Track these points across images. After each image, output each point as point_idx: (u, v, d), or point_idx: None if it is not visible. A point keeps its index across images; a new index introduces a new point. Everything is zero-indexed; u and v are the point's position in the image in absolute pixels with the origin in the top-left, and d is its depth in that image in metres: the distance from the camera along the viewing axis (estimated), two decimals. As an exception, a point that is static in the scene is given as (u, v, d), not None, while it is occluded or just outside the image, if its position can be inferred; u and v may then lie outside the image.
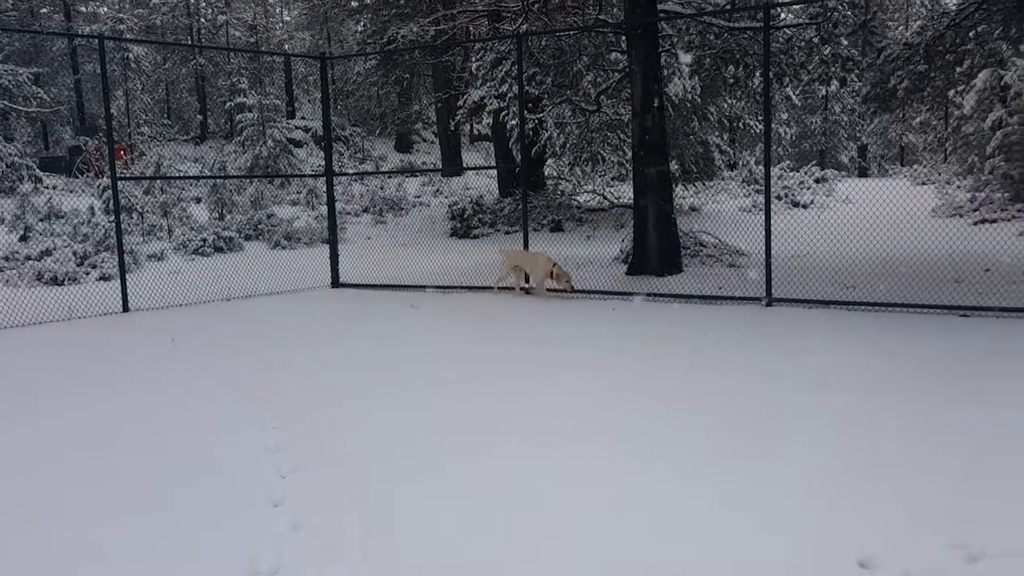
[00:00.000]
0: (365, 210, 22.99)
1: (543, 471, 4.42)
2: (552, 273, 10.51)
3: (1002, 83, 20.15)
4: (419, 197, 25.89)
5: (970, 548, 3.38)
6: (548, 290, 10.76)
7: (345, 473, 4.49)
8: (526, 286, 11.12)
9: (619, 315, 9.32)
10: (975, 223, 17.05)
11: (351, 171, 30.07)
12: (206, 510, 4.05)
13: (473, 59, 19.31)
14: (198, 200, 22.12)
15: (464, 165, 29.69)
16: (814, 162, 36.75)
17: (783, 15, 17.46)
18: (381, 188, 24.89)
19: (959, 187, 22.04)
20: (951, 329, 7.85)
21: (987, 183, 20.03)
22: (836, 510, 3.83)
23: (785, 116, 35.04)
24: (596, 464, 4.51)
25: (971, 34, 13.65)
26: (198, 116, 43.64)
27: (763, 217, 9.90)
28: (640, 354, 7.32)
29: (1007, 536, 3.49)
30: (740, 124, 23.82)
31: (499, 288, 11.16)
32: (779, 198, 23.01)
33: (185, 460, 4.80)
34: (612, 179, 22.52)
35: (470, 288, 11.52)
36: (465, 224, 19.73)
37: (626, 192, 20.95)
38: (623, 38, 13.66)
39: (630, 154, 13.87)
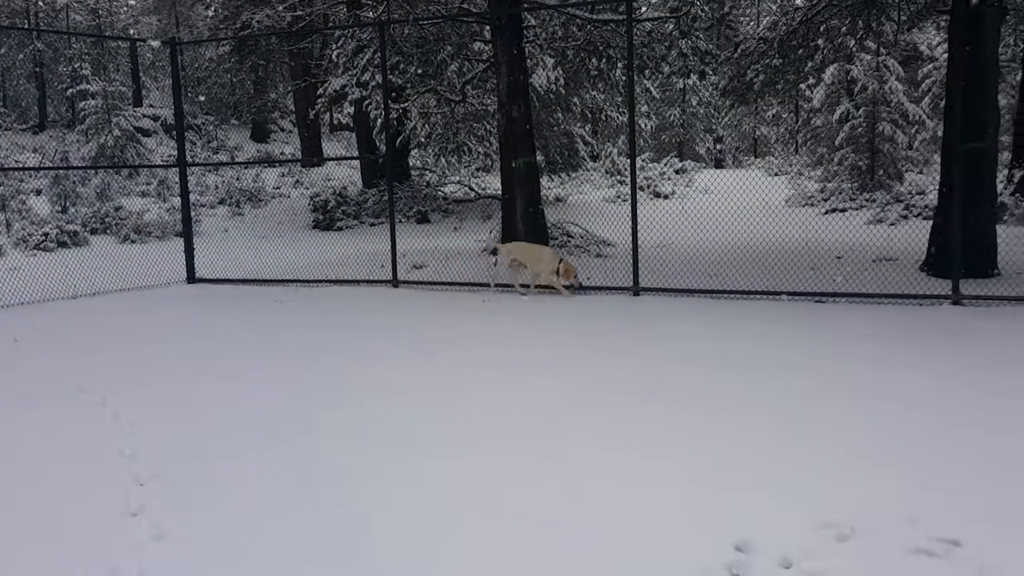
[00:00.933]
0: (221, 202, 22.25)
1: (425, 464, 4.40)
2: (559, 269, 9.80)
3: (849, 77, 21.34)
4: (278, 188, 25.26)
5: (840, 527, 3.54)
6: (545, 287, 10.01)
7: (210, 475, 4.32)
8: (526, 285, 10.21)
9: (491, 307, 9.36)
10: (826, 212, 17.99)
11: (205, 161, 29.01)
12: (56, 522, 3.82)
13: (333, 47, 18.97)
14: (38, 192, 20.88)
15: (325, 155, 29.12)
16: (673, 153, 38.00)
17: (644, 9, 17.93)
18: (237, 179, 24.17)
19: (810, 178, 23.22)
20: (806, 314, 8.27)
21: (836, 174, 21.19)
22: (711, 494, 3.93)
23: (645, 108, 35.97)
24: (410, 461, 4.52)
25: (821, 29, 14.38)
26: (36, 104, 41.11)
27: (628, 207, 10.14)
28: (530, 347, 7.38)
29: (874, 513, 3.67)
30: (603, 116, 24.36)
31: (496, 286, 10.37)
32: (642, 189, 23.64)
33: (30, 470, 4.52)
34: (478, 170, 22.61)
35: (336, 282, 11.33)
36: (328, 216, 19.39)
37: (493, 183, 21.09)
38: (487, 28, 13.71)
39: (497, 145, 13.94)
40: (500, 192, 12.37)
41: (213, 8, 28.15)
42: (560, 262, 9.81)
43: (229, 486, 4.22)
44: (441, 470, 4.35)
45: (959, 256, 8.55)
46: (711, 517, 3.70)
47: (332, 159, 23.54)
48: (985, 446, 4.46)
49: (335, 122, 43.00)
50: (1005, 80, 22.08)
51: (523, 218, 11.85)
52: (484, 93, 17.35)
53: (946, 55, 11.17)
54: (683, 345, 7.12)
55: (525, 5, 13.09)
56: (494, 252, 10.79)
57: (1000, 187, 14.19)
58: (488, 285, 10.45)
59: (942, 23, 17.98)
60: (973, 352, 6.63)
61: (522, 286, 10.18)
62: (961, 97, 9.09)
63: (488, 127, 18.27)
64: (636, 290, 9.76)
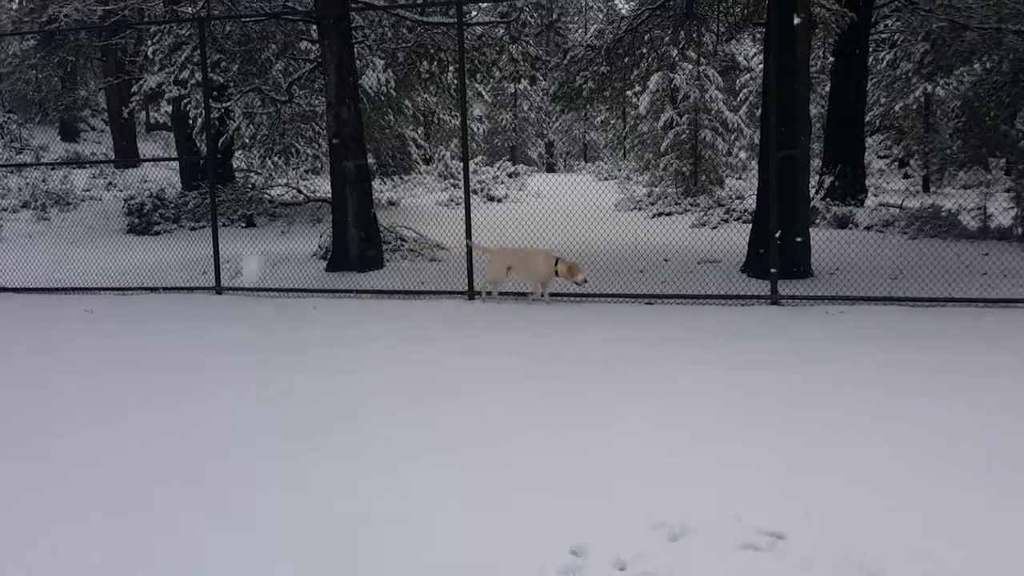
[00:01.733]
0: (25, 205, 20.76)
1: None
2: (557, 271, 9.11)
3: (672, 86, 22.22)
4: (89, 191, 23.78)
5: (672, 527, 3.64)
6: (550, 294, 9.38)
7: None
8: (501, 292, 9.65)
9: (320, 315, 9.16)
10: (653, 216, 18.65)
11: (7, 162, 27.04)
12: None
13: (149, 43, 18.11)
14: None
15: (141, 156, 27.74)
16: (506, 157, 38.48)
17: (474, 13, 18.05)
18: (43, 181, 22.62)
19: (638, 182, 24.02)
20: (638, 316, 8.54)
21: (662, 179, 22.02)
22: (550, 499, 3.96)
23: (478, 112, 36.27)
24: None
25: (646, 38, 14.93)
26: None
27: (462, 211, 10.16)
28: (342, 352, 7.23)
29: (704, 511, 3.79)
30: (435, 119, 24.36)
31: (488, 296, 9.60)
32: (475, 192, 23.81)
33: None
34: (307, 172, 22.10)
35: (154, 289, 10.80)
36: (144, 220, 18.45)
37: (323, 186, 20.67)
38: (315, 27, 13.43)
39: (326, 146, 13.67)
40: (330, 195, 12.13)
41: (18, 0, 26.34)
42: (557, 262, 9.13)
43: None
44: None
45: (776, 258, 9.04)
46: (548, 521, 3.72)
47: (149, 160, 22.41)
48: (806, 438, 4.71)
49: (152, 121, 41.12)
50: (816, 91, 23.62)
51: (355, 222, 11.68)
52: (312, 94, 16.99)
53: (762, 66, 11.81)
54: (518, 350, 7.19)
55: (353, 5, 12.89)
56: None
57: (812, 192, 15.13)
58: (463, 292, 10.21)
59: (758, 35, 19.02)
60: (790, 349, 7.01)
61: (500, 294, 9.62)
62: (776, 106, 9.62)
63: (317, 128, 17.91)
64: (471, 294, 9.78)
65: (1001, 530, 3.57)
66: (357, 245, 11.75)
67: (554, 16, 15.31)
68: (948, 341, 7.14)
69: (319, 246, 13.36)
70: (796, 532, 3.56)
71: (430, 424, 5.13)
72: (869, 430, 4.84)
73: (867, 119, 21.27)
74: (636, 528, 3.65)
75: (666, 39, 15.43)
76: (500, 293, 9.63)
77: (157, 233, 18.06)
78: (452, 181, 26.52)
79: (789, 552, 3.41)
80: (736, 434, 4.83)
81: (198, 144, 19.63)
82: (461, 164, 10.27)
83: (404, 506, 3.92)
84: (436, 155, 29.14)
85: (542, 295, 9.43)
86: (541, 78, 17.29)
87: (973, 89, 15.14)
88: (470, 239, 9.77)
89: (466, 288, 9.79)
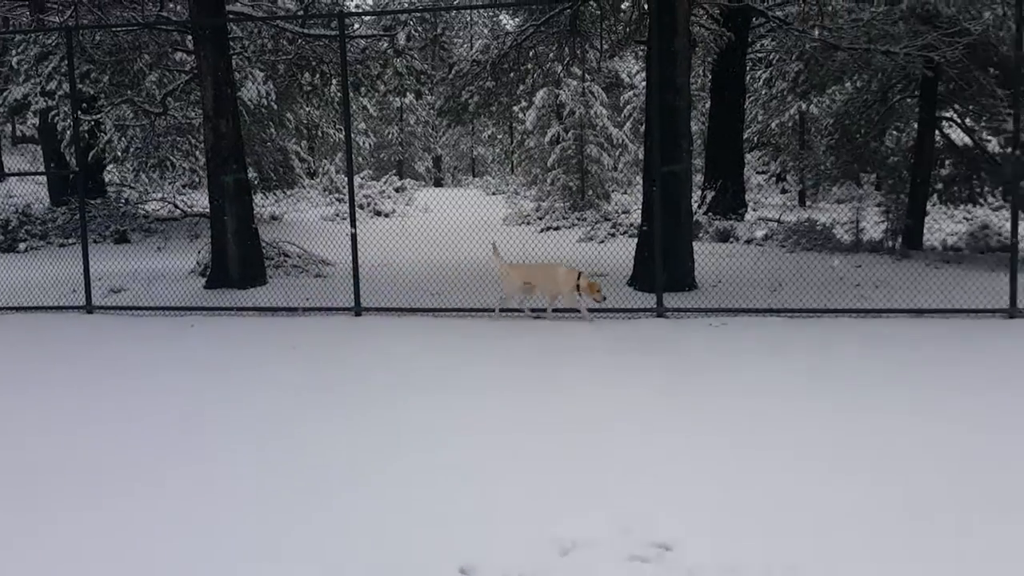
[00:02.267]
0: None
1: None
2: (579, 286, 8.81)
3: (558, 101, 22.55)
4: (-53, 208, 22.58)
5: (563, 541, 3.66)
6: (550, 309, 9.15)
7: None
8: (532, 308, 9.28)
9: (198, 332, 8.89)
10: (542, 230, 18.85)
11: None
12: None
13: (14, 52, 17.32)
14: None
15: (6, 170, 26.46)
16: (393, 172, 38.28)
17: (357, 26, 17.93)
18: None
19: (526, 197, 24.25)
20: (530, 329, 8.59)
21: (550, 193, 22.28)
22: (432, 519, 3.95)
23: (363, 126, 36.01)
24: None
25: (531, 54, 15.11)
26: None
27: (347, 226, 10.04)
28: (224, 374, 7.03)
29: (593, 524, 3.83)
30: (319, 132, 24.06)
31: (501, 311, 9.26)
32: (362, 207, 23.58)
33: None
34: (184, 186, 21.49)
35: (19, 309, 10.29)
36: (10, 237, 17.59)
37: (201, 200, 20.10)
38: (190, 37, 13.08)
39: (204, 160, 13.32)
40: (209, 210, 11.81)
41: None
42: (579, 277, 8.85)
43: None
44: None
45: (661, 271, 9.25)
46: (434, 541, 3.70)
47: (14, 174, 21.41)
48: (692, 449, 4.82)
49: (18, 134, 39.31)
50: (697, 108, 24.37)
51: (234, 237, 11.40)
52: (188, 106, 16.55)
53: (645, 83, 12.11)
54: (408, 364, 7.13)
55: (231, 16, 12.62)
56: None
57: (695, 206, 15.57)
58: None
59: (640, 53, 19.51)
60: (676, 360, 7.17)
61: (532, 311, 9.28)
62: (658, 123, 9.86)
63: (194, 141, 17.45)
64: (358, 310, 9.66)
65: (881, 538, 3.72)
66: (237, 261, 11.47)
67: (438, 30, 15.38)
68: (825, 350, 7.43)
69: (197, 262, 12.98)
70: (683, 543, 3.63)
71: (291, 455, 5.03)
72: (752, 440, 4.98)
73: (745, 136, 22.09)
74: (527, 544, 3.65)
75: (551, 55, 15.66)
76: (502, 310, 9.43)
77: (23, 251, 17.24)
78: (337, 195, 26.22)
79: (676, 563, 3.48)
80: (625, 447, 4.90)
81: (67, 157, 18.87)
82: (346, 178, 10.13)
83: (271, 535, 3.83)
84: (320, 169, 28.77)
85: (546, 311, 9.23)
86: (427, 92, 17.29)
87: (844, 107, 15.83)
88: (497, 255, 9.43)
89: (352, 304, 9.67)
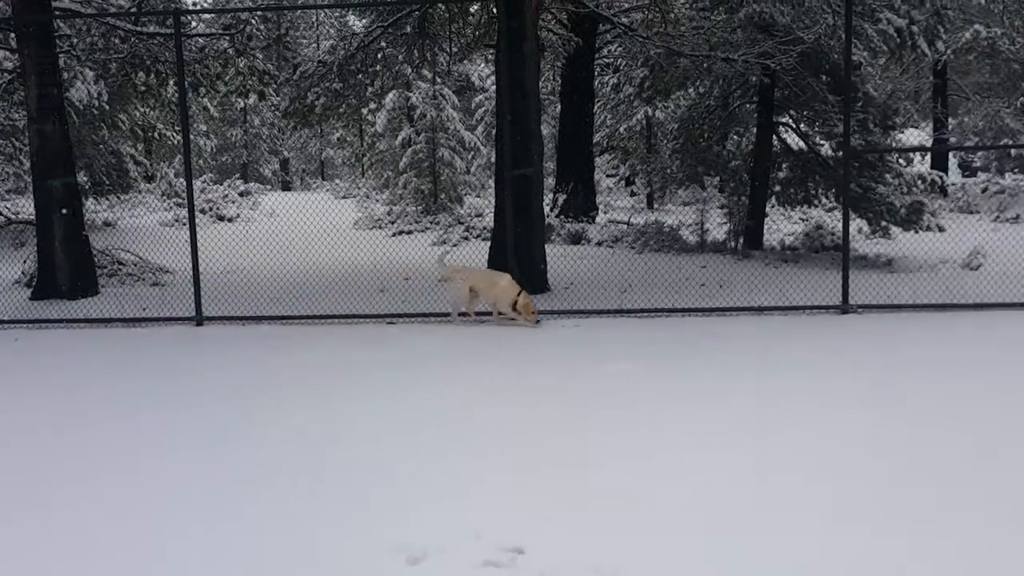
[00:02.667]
0: None
1: None
2: (516, 303, 8.66)
3: (409, 104, 22.46)
4: None
5: (412, 549, 3.62)
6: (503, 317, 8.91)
7: None
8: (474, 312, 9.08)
9: (24, 347, 8.38)
10: (394, 234, 18.72)
11: None
12: None
13: None
14: None
15: None
16: (237, 175, 37.24)
17: (195, 24, 17.34)
18: None
19: (377, 200, 24.04)
20: (379, 336, 8.51)
21: (402, 197, 22.16)
22: (271, 532, 3.86)
23: (204, 128, 34.87)
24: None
25: (379, 56, 14.98)
26: None
27: (187, 232, 9.69)
28: (50, 391, 6.65)
29: (444, 531, 3.81)
30: (156, 134, 23.13)
31: (460, 316, 9.04)
32: (204, 212, 22.78)
33: None
34: (9, 192, 20.24)
35: None
36: None
37: (27, 206, 18.97)
38: (12, 35, 12.33)
39: (29, 164, 12.57)
40: (35, 216, 11.16)
41: None
42: (520, 294, 8.71)
43: None
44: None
45: (515, 274, 9.33)
46: (277, 553, 3.61)
47: None
48: (542, 451, 4.87)
49: None
50: (547, 112, 24.77)
51: (63, 245, 10.82)
52: (11, 107, 15.61)
53: (495, 86, 12.21)
54: (250, 372, 6.93)
55: (57, 12, 11.97)
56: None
57: (547, 209, 15.82)
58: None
59: (490, 57, 19.68)
60: (528, 361, 7.25)
61: (477, 315, 9.07)
62: (509, 126, 9.96)
63: (18, 144, 16.46)
64: (200, 320, 9.33)
65: (729, 536, 3.86)
66: (67, 270, 10.87)
67: (282, 30, 15.03)
68: (674, 348, 7.68)
69: (23, 272, 12.22)
70: (535, 547, 3.65)
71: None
72: (604, 439, 5.08)
73: (595, 139, 22.60)
74: (374, 554, 3.61)
75: (400, 57, 15.58)
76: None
77: None
78: (177, 200, 25.24)
79: (528, 566, 3.50)
80: (476, 451, 4.91)
81: None
82: (185, 182, 9.75)
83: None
84: (158, 172, 27.64)
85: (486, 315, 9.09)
86: (272, 93, 16.88)
87: (688, 112, 16.43)
88: (441, 262, 9.43)
89: (194, 314, 9.33)
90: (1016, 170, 30.07)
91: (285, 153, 49.68)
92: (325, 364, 7.37)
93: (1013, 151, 30.93)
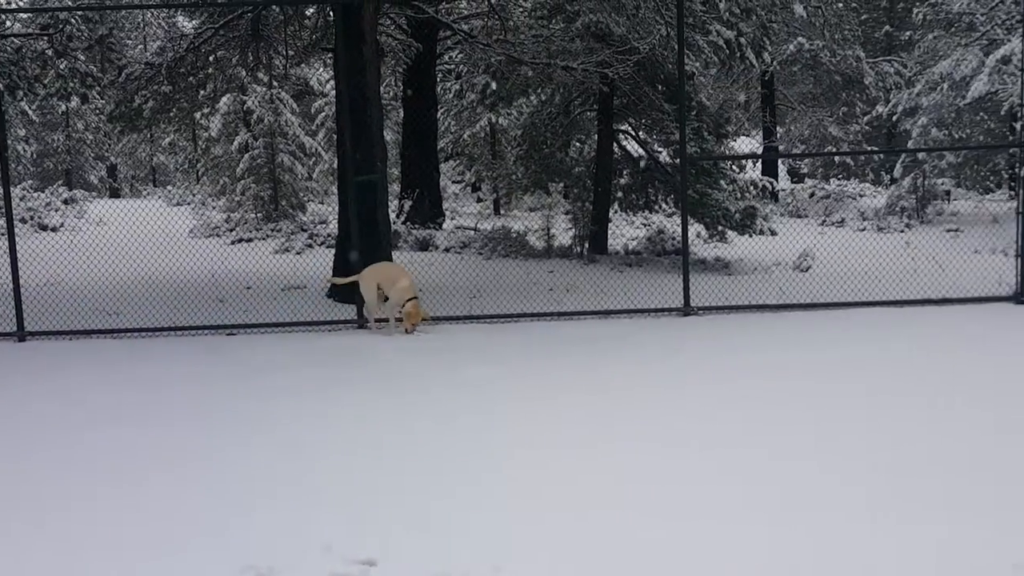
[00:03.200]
0: None
1: None
2: (406, 304, 8.52)
3: (245, 108, 21.87)
4: None
5: (259, 568, 3.52)
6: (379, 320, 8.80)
7: None
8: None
9: None
10: (232, 243, 18.17)
11: None
12: None
13: None
14: None
15: None
16: (60, 182, 35.29)
17: (10, 23, 16.37)
18: None
19: (214, 207, 23.27)
20: (219, 348, 8.24)
21: (240, 203, 21.54)
22: (102, 553, 3.69)
23: (23, 132, 32.91)
24: None
25: (211, 58, 14.53)
26: None
27: (6, 242, 9.12)
28: None
29: (293, 545, 3.73)
30: (-32, 138, 21.65)
31: (378, 322, 8.85)
32: (24, 221, 21.45)
33: None
34: None
35: None
36: None
37: None
38: None
39: None
40: None
41: None
42: (411, 300, 8.54)
43: None
44: None
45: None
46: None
47: None
48: (394, 461, 4.84)
49: None
50: (391, 118, 24.66)
51: None
52: None
53: (335, 91, 12.05)
54: (72, 387, 6.59)
55: None
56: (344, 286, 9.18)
57: (393, 216, 15.73)
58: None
59: (328, 61, 19.40)
60: (378, 371, 7.21)
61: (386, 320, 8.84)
62: (351, 132, 9.84)
63: None
64: (22, 335, 8.80)
65: (596, 531, 3.94)
66: None
67: (105, 30, 14.36)
68: (524, 353, 7.78)
69: None
70: (387, 556, 3.62)
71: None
72: (450, 446, 5.09)
73: (440, 146, 22.66)
74: (220, 573, 3.50)
75: (234, 60, 15.16)
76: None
77: None
78: (-7, 209, 23.69)
79: (382, 578, 3.48)
80: (326, 463, 4.83)
81: None
82: (2, 189, 9.18)
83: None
84: (-29, 180, 25.85)
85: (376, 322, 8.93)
86: (96, 96, 16.12)
87: (531, 119, 16.73)
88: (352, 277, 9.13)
89: (15, 329, 8.79)
90: (840, 176, 32.08)
91: (112, 159, 47.43)
92: (155, 378, 7.07)
93: (837, 158, 32.98)
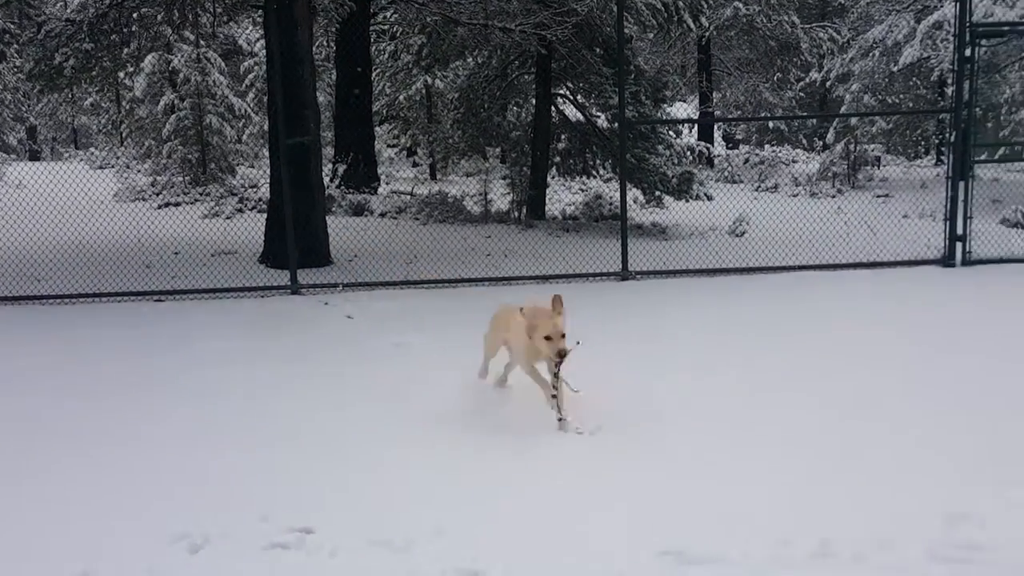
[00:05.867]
0: None
1: None
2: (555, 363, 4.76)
3: (171, 68, 21.27)
4: None
5: (193, 537, 3.49)
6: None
7: None
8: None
9: None
10: (159, 207, 17.76)
11: None
12: None
13: None
14: None
15: None
16: (-24, 145, 34.09)
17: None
18: None
19: (139, 171, 22.67)
20: (146, 315, 8.07)
21: (167, 167, 21.02)
22: (45, 517, 3.62)
23: (-67, 91, 31.62)
24: None
25: (135, 15, 14.08)
26: None
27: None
28: None
29: (229, 516, 3.70)
30: None
31: (485, 375, 5.62)
32: (-64, 186, 20.72)
33: None
34: None
35: None
36: None
37: None
38: None
39: None
40: None
41: None
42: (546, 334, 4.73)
43: None
44: None
45: (294, 247, 9.11)
46: (47, 543, 3.43)
47: None
48: (324, 427, 4.80)
49: None
50: (324, 79, 24.20)
51: None
52: None
53: (265, 51, 11.77)
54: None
55: None
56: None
57: (327, 180, 15.51)
58: None
59: (258, 19, 18.96)
60: (314, 337, 7.13)
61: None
62: (282, 93, 9.64)
63: None
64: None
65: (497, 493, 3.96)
66: None
67: (26, -18, 13.80)
68: (460, 318, 7.75)
69: None
70: (324, 524, 3.60)
71: None
72: (392, 416, 5.07)
73: (375, 108, 22.34)
74: (152, 544, 3.44)
75: (159, 17, 14.72)
76: None
77: None
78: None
79: (318, 545, 3.45)
80: (258, 432, 4.78)
81: None
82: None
83: None
84: None
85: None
86: (13, 55, 15.53)
87: (468, 82, 16.58)
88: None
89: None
90: (774, 142, 32.49)
91: (32, 120, 45.93)
92: (77, 347, 6.90)
93: (771, 124, 33.40)
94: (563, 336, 4.68)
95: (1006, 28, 12.71)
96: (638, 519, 3.61)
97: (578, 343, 4.78)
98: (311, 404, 5.28)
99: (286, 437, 4.69)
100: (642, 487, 3.94)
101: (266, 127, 14.27)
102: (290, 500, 3.86)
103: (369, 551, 3.40)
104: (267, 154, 13.38)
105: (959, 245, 9.67)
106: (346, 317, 7.81)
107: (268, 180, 11.78)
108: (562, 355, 4.66)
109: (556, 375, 4.76)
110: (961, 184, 9.72)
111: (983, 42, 10.94)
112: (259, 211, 15.49)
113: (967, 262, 9.68)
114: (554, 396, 4.74)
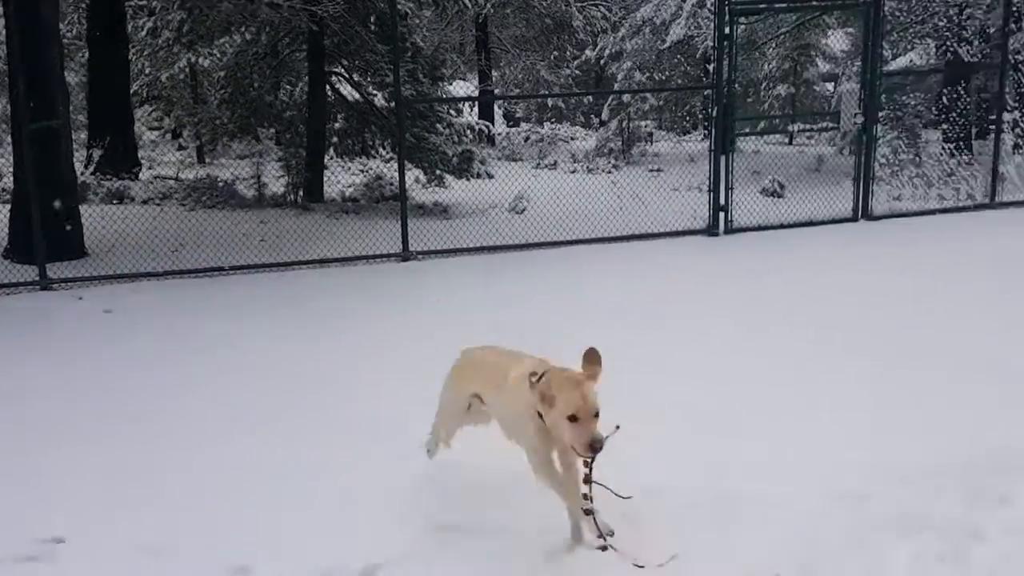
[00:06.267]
0: None
1: None
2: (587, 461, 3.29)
3: None
4: None
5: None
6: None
7: None
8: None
9: None
10: None
11: None
12: None
13: None
14: None
15: None
16: None
17: None
18: None
19: None
20: None
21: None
22: None
23: None
24: None
25: None
26: None
27: None
28: None
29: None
30: None
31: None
32: None
33: None
34: None
35: None
36: None
37: None
38: None
39: None
40: None
41: None
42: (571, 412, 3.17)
43: None
44: None
45: (41, 240, 8.53)
46: None
47: None
48: (87, 427, 4.57)
49: None
50: (75, 59, 22.69)
51: None
52: None
53: (4, 26, 10.88)
54: None
55: None
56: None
57: (80, 167, 14.59)
58: None
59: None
60: (58, 338, 6.78)
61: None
62: (25, 73, 8.94)
63: None
64: None
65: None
66: None
67: None
68: (239, 308, 7.53)
69: None
70: (76, 535, 3.45)
71: None
72: (160, 410, 4.88)
73: (134, 89, 21.22)
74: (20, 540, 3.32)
75: None
76: None
77: None
78: None
79: (72, 556, 3.31)
80: (29, 441, 4.48)
81: None
82: None
83: None
84: None
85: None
86: None
87: (236, 60, 16.02)
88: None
89: None
90: (553, 120, 33.40)
91: None
92: None
93: (550, 102, 34.33)
94: (596, 416, 3.12)
95: (763, 6, 13.65)
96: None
97: (617, 428, 3.28)
98: (66, 408, 4.98)
99: (33, 446, 4.40)
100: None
101: (8, 111, 13.23)
102: (45, 509, 3.68)
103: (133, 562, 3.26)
104: (9, 140, 12.40)
105: (722, 215, 10.35)
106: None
107: (11, 168, 10.93)
108: (596, 448, 3.08)
109: (589, 477, 3.26)
110: (723, 157, 10.38)
111: (742, 20, 11.70)
112: (2, 202, 14.39)
113: (729, 230, 10.39)
114: (588, 511, 3.28)
